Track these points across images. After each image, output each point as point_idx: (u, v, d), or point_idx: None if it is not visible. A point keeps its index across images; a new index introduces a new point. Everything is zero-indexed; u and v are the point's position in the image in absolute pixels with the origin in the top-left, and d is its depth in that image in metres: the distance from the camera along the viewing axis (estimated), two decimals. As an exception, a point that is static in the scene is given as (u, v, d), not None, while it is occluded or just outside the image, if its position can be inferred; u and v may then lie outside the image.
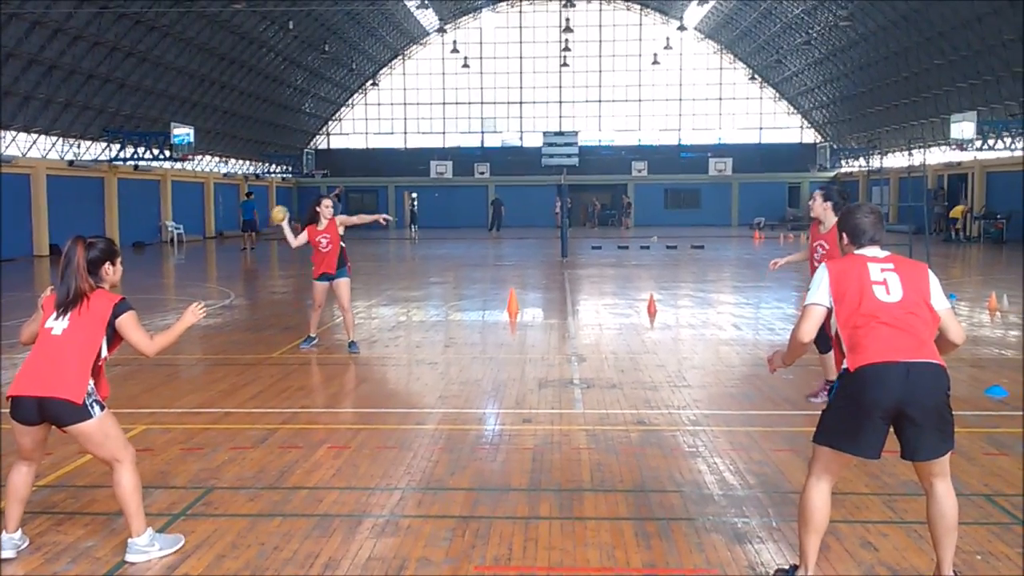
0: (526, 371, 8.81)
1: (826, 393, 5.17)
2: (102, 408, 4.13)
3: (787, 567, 3.95)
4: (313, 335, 10.02)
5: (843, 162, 48.18)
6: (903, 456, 3.65)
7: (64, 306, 4.15)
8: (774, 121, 51.50)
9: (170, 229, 35.61)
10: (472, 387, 8.15)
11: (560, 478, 5.34)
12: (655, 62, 48.95)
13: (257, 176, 46.23)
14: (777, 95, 51.04)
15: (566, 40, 46.49)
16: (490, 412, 7.26)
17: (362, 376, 8.70)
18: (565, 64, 49.82)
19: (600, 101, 51.80)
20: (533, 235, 37.78)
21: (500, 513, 4.76)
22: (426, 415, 7.08)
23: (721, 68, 51.38)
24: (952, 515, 3.69)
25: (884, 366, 3.50)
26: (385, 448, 5.99)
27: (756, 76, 50.70)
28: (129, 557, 4.13)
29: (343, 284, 9.75)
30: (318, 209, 9.56)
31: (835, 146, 48.23)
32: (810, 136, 51.07)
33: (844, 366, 3.66)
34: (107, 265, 4.32)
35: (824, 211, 6.94)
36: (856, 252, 3.88)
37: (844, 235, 3.96)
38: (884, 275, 3.70)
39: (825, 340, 5.30)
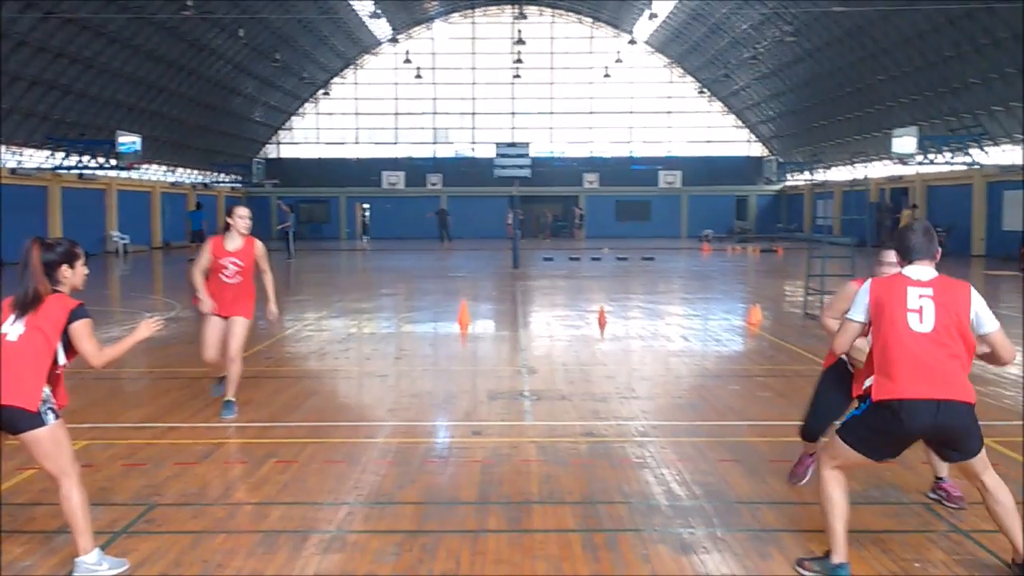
0: (477, 383, 8.81)
1: (808, 469, 5.28)
2: (56, 416, 4.04)
3: (819, 555, 4.12)
4: (233, 398, 7.18)
5: (788, 175, 49.17)
6: (941, 458, 4.17)
7: (20, 309, 4.04)
8: (722, 135, 52.34)
9: (115, 239, 34.87)
10: (422, 399, 8.13)
11: (509, 491, 5.35)
12: (606, 75, 49.42)
13: (205, 185, 45.54)
14: (725, 109, 51.92)
15: (518, 52, 46.74)
16: (440, 425, 7.24)
17: (311, 389, 8.61)
18: (517, 76, 50.07)
19: (552, 113, 52.15)
20: (485, 246, 37.81)
21: (448, 527, 4.75)
22: (376, 428, 7.04)
23: (671, 81, 52.09)
24: (1009, 500, 3.98)
25: (912, 404, 3.78)
26: (333, 462, 5.94)
27: (705, 90, 51.51)
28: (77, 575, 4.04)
29: (240, 324, 7.08)
30: (229, 220, 7.08)
31: (781, 160, 49.21)
32: (757, 150, 52.02)
33: (869, 385, 3.96)
34: (64, 268, 4.21)
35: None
36: (903, 270, 4.04)
37: (897, 254, 4.13)
38: (921, 302, 3.87)
39: (812, 432, 5.05)
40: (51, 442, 4.00)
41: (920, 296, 3.87)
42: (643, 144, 52.17)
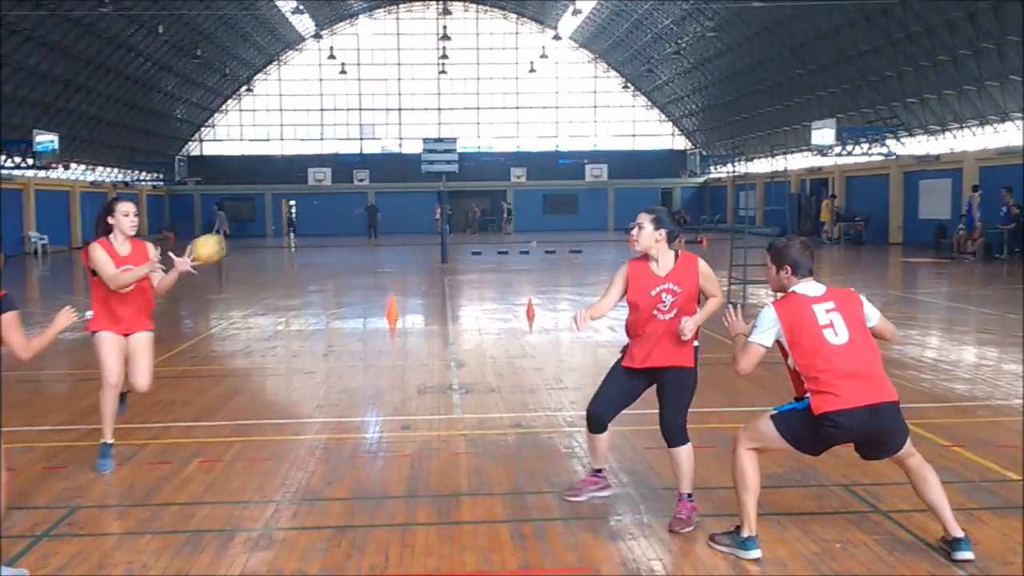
0: (406, 377, 8.80)
1: (588, 488, 5.09)
2: None
3: (729, 530, 4.26)
4: (110, 440, 5.75)
5: (711, 168, 50.16)
6: (868, 457, 4.29)
7: None
8: (646, 128, 53.11)
9: (33, 240, 33.67)
10: (351, 395, 8.09)
11: (438, 484, 5.37)
12: (531, 70, 49.65)
13: (126, 184, 44.26)
14: (649, 103, 52.67)
15: (443, 48, 46.59)
16: (369, 420, 7.22)
17: (236, 388, 8.48)
18: (443, 71, 49.91)
19: (479, 108, 52.16)
20: (413, 241, 37.65)
21: (377, 521, 4.75)
22: (303, 425, 6.98)
23: (596, 76, 52.60)
24: (934, 479, 4.18)
25: (849, 412, 3.98)
26: (259, 460, 5.88)
27: (629, 84, 52.16)
28: None
29: (145, 341, 5.82)
30: (111, 220, 5.62)
31: (704, 153, 50.20)
32: (681, 143, 52.94)
33: (807, 399, 4.06)
34: None
35: (657, 244, 4.73)
36: (795, 288, 4.22)
37: (785, 268, 4.25)
38: (829, 316, 4.11)
39: (598, 423, 4.93)
40: None
41: (827, 311, 4.12)
42: (569, 138, 52.60)
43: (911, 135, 31.15)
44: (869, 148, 31.72)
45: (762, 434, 4.19)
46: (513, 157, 51.52)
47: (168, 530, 4.62)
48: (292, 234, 38.00)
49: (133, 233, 5.67)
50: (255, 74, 50.86)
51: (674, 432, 4.71)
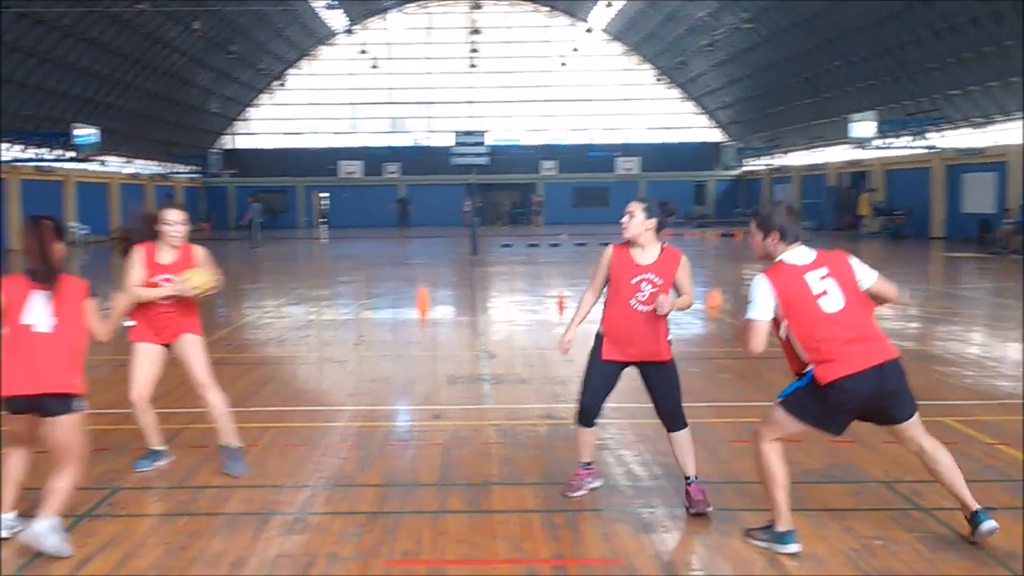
0: (436, 368, 8.83)
1: (585, 480, 5.00)
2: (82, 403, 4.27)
3: (764, 525, 4.16)
4: (159, 447, 5.51)
5: (747, 161, 49.70)
6: (880, 424, 4.14)
7: (46, 292, 4.26)
8: (680, 121, 52.69)
9: (74, 230, 34.30)
10: (382, 384, 8.13)
11: (469, 473, 5.38)
12: (563, 64, 49.44)
13: (163, 176, 44.90)
14: (683, 95, 52.24)
15: (474, 42, 46.57)
16: (400, 409, 7.26)
17: (270, 375, 8.57)
18: (474, 65, 49.89)
19: (509, 101, 52.05)
20: (443, 234, 37.74)
21: (409, 508, 4.78)
22: (335, 413, 7.03)
23: (629, 69, 52.27)
24: (947, 458, 4.12)
25: (857, 376, 3.88)
26: (293, 446, 5.94)
27: (663, 77, 51.78)
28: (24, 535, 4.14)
29: (193, 343, 5.49)
30: (161, 227, 5.33)
31: (739, 145, 49.71)
32: (715, 135, 52.46)
33: (810, 369, 3.95)
34: (59, 244, 4.36)
35: (646, 232, 4.73)
36: (784, 256, 4.08)
37: (772, 235, 4.13)
38: (823, 284, 3.99)
39: (589, 416, 4.91)
40: (74, 426, 4.19)
41: (820, 279, 4.01)
42: (601, 131, 52.34)
43: (954, 128, 30.59)
44: (911, 141, 31.23)
45: (777, 422, 4.09)
46: (544, 150, 51.37)
47: (205, 512, 4.68)
48: (324, 226, 38.24)
49: (177, 244, 5.36)
50: (287, 69, 51.21)
51: (674, 419, 4.81)
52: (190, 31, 36.11)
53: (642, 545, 4.26)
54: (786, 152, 44.59)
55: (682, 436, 4.81)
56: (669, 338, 4.78)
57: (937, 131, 30.72)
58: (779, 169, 45.42)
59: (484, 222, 37.86)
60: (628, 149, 50.93)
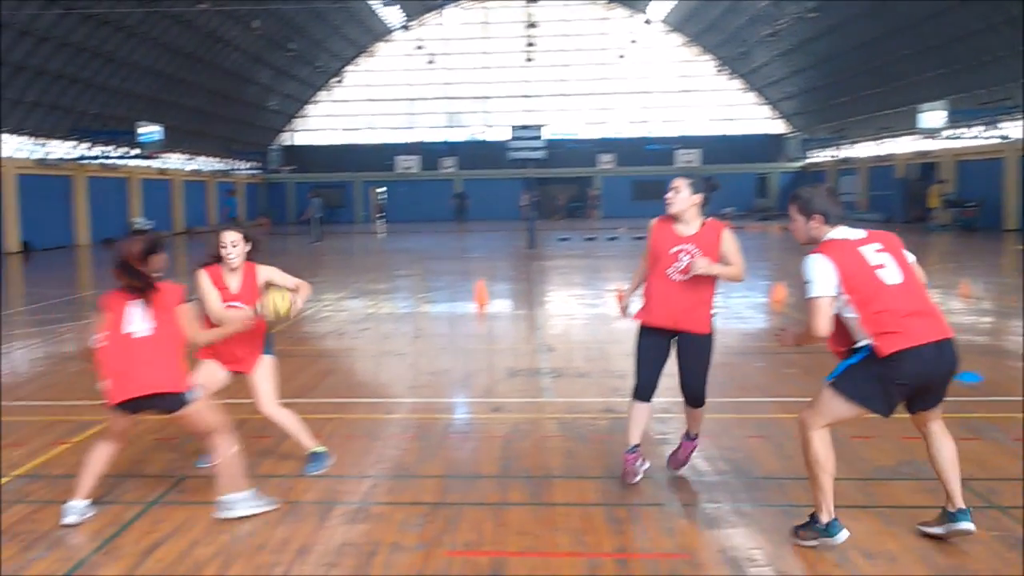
0: (495, 361, 8.83)
1: (637, 464, 5.04)
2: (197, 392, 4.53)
3: (806, 521, 4.05)
4: (315, 448, 5.30)
5: (811, 152, 48.69)
6: (909, 409, 4.01)
7: (142, 302, 4.51)
8: (741, 112, 51.85)
9: (139, 226, 35.22)
10: (441, 377, 8.16)
11: (530, 465, 5.36)
12: (621, 56, 49.01)
13: (225, 173, 45.84)
14: (745, 86, 51.40)
15: (530, 35, 46.45)
16: (460, 401, 7.27)
17: (330, 368, 8.66)
18: (530, 59, 49.79)
19: (566, 95, 51.84)
20: (500, 228, 37.78)
21: (471, 500, 4.77)
22: (396, 405, 7.07)
23: (689, 61, 51.60)
24: (950, 449, 4.03)
25: (918, 349, 3.77)
26: (355, 437, 5.98)
27: (723, 68, 51.01)
28: (223, 514, 4.42)
29: (259, 368, 5.20)
30: (222, 251, 5.07)
31: (804, 136, 48.72)
32: (778, 127, 51.51)
33: (866, 344, 3.83)
34: (154, 256, 4.58)
35: (691, 207, 4.84)
36: (832, 234, 3.97)
37: (815, 218, 4.01)
38: (880, 257, 3.89)
39: (647, 390, 5.00)
40: (199, 412, 4.42)
41: (876, 252, 3.90)
42: (660, 124, 51.79)
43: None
44: (982, 131, 30.20)
45: (827, 406, 3.94)
46: (601, 143, 51.01)
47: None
48: (381, 220, 38.60)
49: (236, 266, 5.09)
50: (345, 66, 51.79)
51: (696, 398, 5.01)
52: (250, 30, 36.76)
53: (707, 540, 4.20)
54: (852, 143, 43.57)
55: (697, 412, 5.07)
56: (713, 312, 4.87)
57: (1010, 120, 29.65)
58: (845, 161, 44.38)
59: (541, 216, 37.74)
60: (688, 141, 50.28)
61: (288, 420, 5.24)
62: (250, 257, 5.16)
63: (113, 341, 4.37)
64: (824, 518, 3.97)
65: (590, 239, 29.32)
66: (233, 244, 5.08)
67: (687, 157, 49.14)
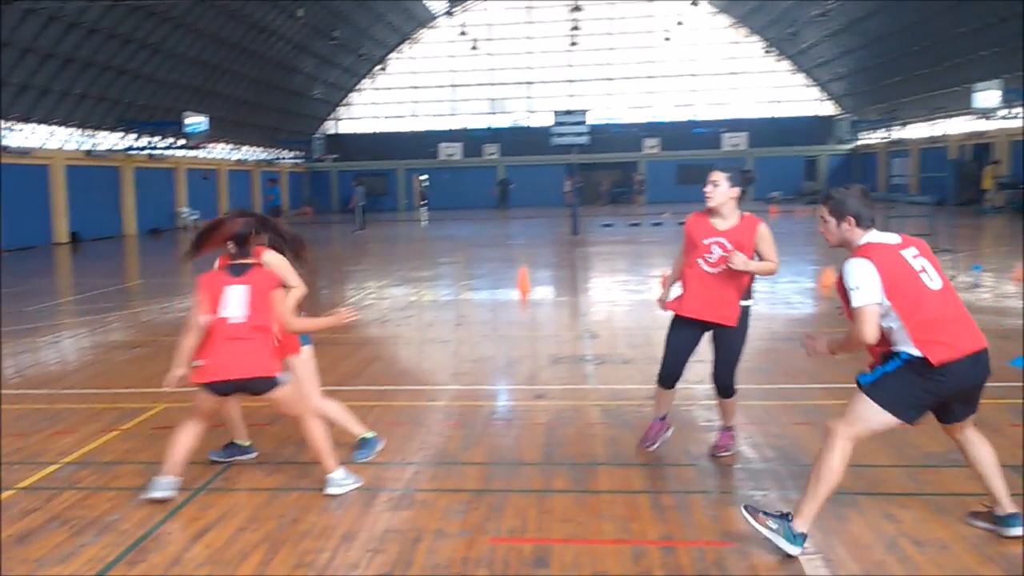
0: (538, 348, 8.80)
1: (661, 434, 5.32)
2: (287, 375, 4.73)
3: (780, 513, 3.93)
4: (365, 434, 5.31)
5: (861, 134, 47.67)
6: (943, 420, 3.93)
7: (241, 283, 4.64)
8: (790, 94, 50.91)
9: (184, 215, 35.80)
10: (484, 364, 8.15)
11: (574, 452, 5.34)
12: (667, 39, 48.41)
13: (269, 162, 46.31)
14: (794, 67, 50.45)
15: (575, 19, 46.08)
16: (502, 388, 7.26)
17: (374, 355, 8.71)
18: (575, 43, 49.42)
19: (611, 79, 51.35)
20: (543, 214, 37.68)
21: (514, 486, 4.77)
22: (438, 392, 7.09)
23: (736, 42, 50.78)
24: (988, 452, 3.96)
25: (961, 361, 3.70)
26: (398, 424, 6.01)
27: (771, 49, 50.11)
28: (329, 490, 4.58)
29: (305, 355, 5.13)
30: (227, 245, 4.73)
31: (854, 118, 47.73)
32: (828, 108, 50.50)
33: (909, 352, 3.72)
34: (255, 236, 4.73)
35: (729, 201, 4.93)
36: (869, 238, 3.87)
37: (848, 220, 3.89)
38: (919, 262, 3.80)
39: (671, 377, 5.19)
40: (289, 395, 4.58)
41: (914, 257, 3.80)
42: (706, 107, 51.11)
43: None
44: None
45: (862, 415, 3.80)
46: (646, 128, 50.47)
47: (315, 488, 4.76)
48: (424, 207, 38.76)
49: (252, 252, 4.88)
50: (388, 53, 51.94)
51: (725, 388, 5.10)
52: (294, 19, 37.05)
53: (754, 528, 4.12)
54: (904, 124, 42.55)
55: (728, 403, 5.14)
56: (744, 304, 4.98)
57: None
58: (896, 142, 43.37)
59: (584, 202, 37.56)
60: (735, 124, 49.52)
61: (333, 410, 5.20)
62: (259, 242, 5.01)
63: (211, 324, 4.50)
64: (798, 525, 3.82)
65: (634, 225, 29.09)
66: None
67: (734, 140, 48.40)
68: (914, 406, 3.78)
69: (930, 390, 3.73)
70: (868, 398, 3.79)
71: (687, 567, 3.77)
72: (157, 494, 4.53)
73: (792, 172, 48.11)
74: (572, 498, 4.56)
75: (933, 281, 3.76)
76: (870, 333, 3.72)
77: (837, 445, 3.81)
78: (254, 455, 5.33)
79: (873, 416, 3.79)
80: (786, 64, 50.47)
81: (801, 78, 50.60)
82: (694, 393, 6.74)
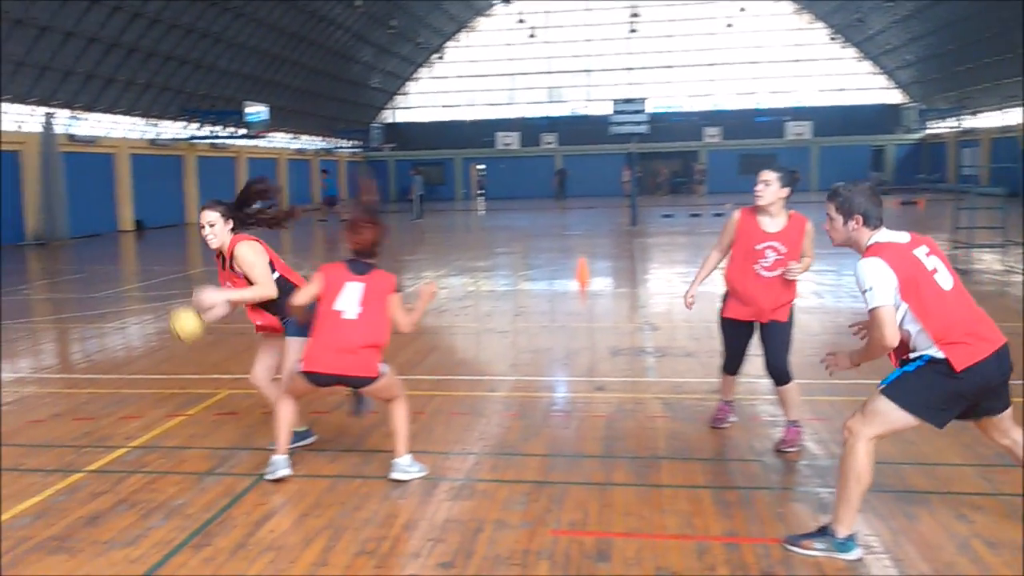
0: (597, 339, 8.73)
1: (729, 416, 5.61)
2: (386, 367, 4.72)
3: (814, 531, 3.82)
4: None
5: (930, 123, 46.32)
6: (976, 419, 3.83)
7: (362, 282, 4.68)
8: (856, 82, 49.65)
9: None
10: (543, 355, 8.12)
11: (635, 446, 5.28)
12: (728, 26, 47.60)
13: (327, 151, 46.84)
14: (860, 55, 49.19)
15: (634, 6, 45.57)
16: (561, 380, 7.21)
17: (432, 344, 8.73)
18: (634, 31, 48.90)
19: (671, 67, 50.68)
20: (601, 205, 37.44)
21: (575, 479, 4.73)
22: (497, 382, 7.07)
23: (800, 29, 49.70)
24: None
25: (985, 362, 3.59)
26: (458, 414, 6.02)
27: (837, 36, 48.92)
28: (394, 475, 4.62)
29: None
30: (201, 232, 5.05)
31: (922, 107, 46.39)
32: (895, 97, 49.17)
33: (931, 355, 3.60)
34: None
35: (778, 200, 5.00)
36: (878, 237, 3.73)
37: (855, 218, 3.76)
38: (932, 262, 3.68)
39: (732, 367, 5.42)
40: (385, 385, 4.62)
41: (926, 255, 3.67)
42: (769, 95, 50.15)
43: None
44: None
45: (883, 416, 3.67)
46: (707, 116, 49.73)
47: (377, 475, 4.79)
48: (481, 197, 38.86)
49: (216, 246, 4.94)
50: (446, 42, 52.08)
51: (780, 374, 5.11)
52: (352, 8, 37.33)
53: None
54: (974, 113, 41.20)
55: (788, 389, 5.12)
56: (791, 302, 5.13)
57: None
58: (966, 132, 42.04)
59: (643, 192, 37.22)
60: (798, 113, 48.52)
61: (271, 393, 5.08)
62: (235, 231, 5.00)
63: (323, 314, 4.56)
64: (842, 532, 3.72)
65: (695, 215, 28.72)
66: (211, 224, 4.90)
67: (798, 129, 47.45)
68: (940, 408, 3.67)
69: (956, 390, 3.61)
70: (888, 399, 3.68)
71: (752, 565, 3.69)
72: (280, 472, 4.63)
73: (858, 162, 46.89)
74: (634, 492, 4.51)
75: (946, 280, 3.65)
76: (890, 335, 3.59)
77: (858, 448, 3.70)
78: (314, 439, 5.36)
79: (894, 416, 3.68)
80: (852, 51, 49.23)
81: (867, 65, 49.32)
82: (758, 388, 6.61)
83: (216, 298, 4.76)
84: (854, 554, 3.70)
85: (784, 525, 4.06)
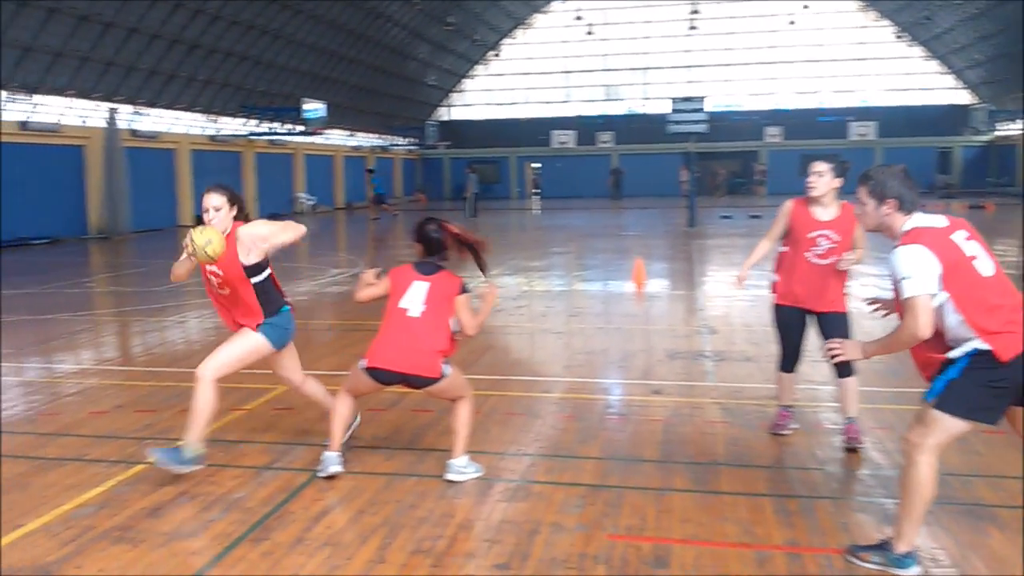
0: (653, 342, 8.63)
1: (788, 422, 5.51)
2: (449, 366, 4.74)
3: (875, 544, 3.70)
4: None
5: (1000, 125, 44.91)
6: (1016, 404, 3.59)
7: (429, 284, 4.80)
8: (922, 82, 48.37)
9: (302, 200, 36.94)
10: (598, 357, 8.06)
11: (693, 451, 5.20)
12: (791, 23, 46.78)
13: (383, 149, 47.20)
14: (927, 54, 47.92)
15: (694, 2, 45.05)
16: (617, 383, 7.15)
17: (487, 344, 8.72)
18: (694, 28, 48.32)
19: (731, 65, 49.96)
20: (658, 205, 37.11)
21: (632, 483, 4.67)
22: (552, 383, 7.03)
23: (864, 26, 48.58)
24: None
25: None
26: (514, 415, 6.00)
27: (904, 34, 47.73)
28: (449, 476, 4.62)
29: (248, 337, 4.96)
30: (204, 216, 4.90)
31: (991, 108, 45.00)
32: (963, 97, 47.78)
33: (975, 348, 3.41)
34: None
35: (831, 191, 5.16)
36: (915, 222, 3.55)
37: (888, 203, 3.59)
38: (971, 248, 3.50)
39: (790, 364, 5.48)
40: (449, 385, 4.64)
41: (966, 240, 3.49)
42: (832, 94, 49.11)
43: None
44: None
45: (938, 425, 3.50)
46: (767, 116, 48.93)
47: (432, 474, 4.79)
48: (536, 196, 38.85)
49: (221, 230, 4.74)
50: (502, 39, 52.10)
51: (842, 367, 5.01)
52: (410, 5, 37.57)
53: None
54: (1047, 115, 39.83)
55: (848, 383, 5.11)
56: (845, 292, 5.19)
57: None
58: (1039, 133, 40.68)
59: (701, 192, 36.77)
60: (863, 113, 47.45)
61: (206, 398, 4.68)
62: (237, 218, 4.86)
63: (389, 311, 4.65)
64: (902, 548, 3.59)
65: (755, 217, 28.24)
66: (216, 208, 4.75)
67: (861, 129, 46.39)
68: (992, 407, 3.51)
69: (1003, 380, 3.42)
70: (942, 411, 3.51)
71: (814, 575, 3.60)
72: (331, 469, 4.67)
73: (924, 164, 45.69)
74: (692, 498, 4.44)
75: (987, 267, 3.47)
76: (925, 326, 3.38)
77: (920, 461, 3.55)
78: (357, 422, 5.26)
79: (952, 426, 3.53)
80: (919, 50, 47.97)
81: (935, 64, 48.01)
82: (819, 395, 6.48)
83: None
84: (912, 571, 3.59)
85: (848, 535, 3.96)
